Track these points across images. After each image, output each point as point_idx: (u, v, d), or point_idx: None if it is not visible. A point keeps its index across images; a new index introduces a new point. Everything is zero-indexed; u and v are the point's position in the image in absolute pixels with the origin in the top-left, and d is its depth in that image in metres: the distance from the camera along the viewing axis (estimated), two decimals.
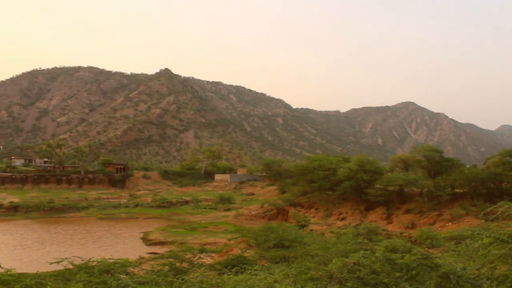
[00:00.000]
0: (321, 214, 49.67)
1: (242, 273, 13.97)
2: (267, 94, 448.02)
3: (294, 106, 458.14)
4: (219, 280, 12.21)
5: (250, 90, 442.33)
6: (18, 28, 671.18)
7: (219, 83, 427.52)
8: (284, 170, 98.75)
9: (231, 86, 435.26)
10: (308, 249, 18.63)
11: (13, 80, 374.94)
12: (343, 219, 46.00)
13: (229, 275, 13.49)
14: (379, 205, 44.56)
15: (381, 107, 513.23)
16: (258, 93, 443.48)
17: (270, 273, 11.50)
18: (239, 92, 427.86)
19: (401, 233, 34.16)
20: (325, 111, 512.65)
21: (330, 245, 18.24)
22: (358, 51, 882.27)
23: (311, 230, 39.50)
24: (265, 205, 63.64)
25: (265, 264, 17.86)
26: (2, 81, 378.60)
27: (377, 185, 45.97)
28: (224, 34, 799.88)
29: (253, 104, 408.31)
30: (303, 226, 41.61)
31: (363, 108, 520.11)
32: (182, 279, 11.83)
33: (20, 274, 12.24)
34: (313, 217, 49.88)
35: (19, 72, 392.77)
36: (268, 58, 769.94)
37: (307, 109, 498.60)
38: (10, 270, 10.36)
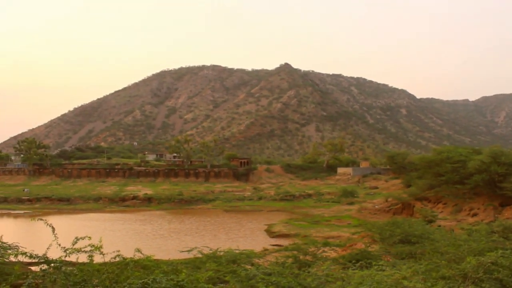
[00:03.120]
0: (450, 209, 47.10)
1: (367, 268, 13.63)
2: (390, 85, 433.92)
3: (418, 96, 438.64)
4: (343, 274, 12.03)
5: (371, 81, 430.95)
6: (147, 33, 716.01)
7: (339, 76, 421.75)
8: (409, 163, 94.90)
9: (351, 78, 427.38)
10: (436, 246, 17.68)
11: (145, 81, 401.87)
12: (474, 215, 43.20)
13: (353, 269, 13.24)
14: None
15: None
16: (380, 84, 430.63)
17: (397, 269, 11.08)
18: (360, 83, 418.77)
19: None
20: (453, 100, 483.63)
21: (461, 242, 17.13)
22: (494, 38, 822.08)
23: (439, 225, 37.58)
24: (390, 199, 61.82)
25: (390, 260, 17.28)
26: (135, 83, 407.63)
27: None
28: (345, 27, 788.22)
29: (375, 95, 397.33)
30: (430, 222, 39.73)
31: (495, 96, 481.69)
32: (308, 272, 11.82)
33: (157, 260, 13.04)
34: (441, 212, 47.46)
35: (149, 74, 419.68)
36: (391, 48, 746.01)
37: (432, 98, 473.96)
38: (149, 257, 11.07)
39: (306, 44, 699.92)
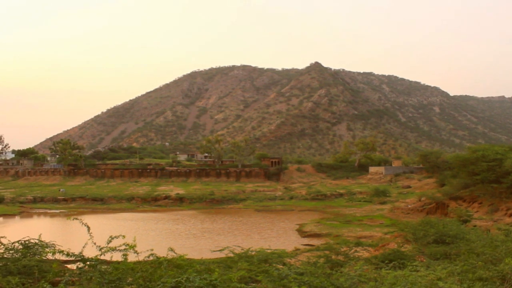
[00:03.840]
0: (486, 209, 46.04)
1: (400, 268, 13.48)
2: (422, 82, 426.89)
3: (451, 94, 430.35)
4: (376, 275, 11.92)
5: (403, 79, 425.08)
6: (178, 35, 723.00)
7: (370, 74, 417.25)
8: (442, 161, 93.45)
9: (383, 76, 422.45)
10: (472, 246, 17.33)
11: (176, 82, 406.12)
12: (511, 215, 42.16)
13: (387, 270, 13.11)
14: None
15: None
16: (412, 81, 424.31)
17: (431, 270, 10.91)
18: (392, 81, 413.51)
19: None
20: (488, 97, 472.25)
21: (498, 243, 16.73)
22: None
23: (475, 225, 36.81)
24: (423, 198, 60.89)
25: (424, 260, 17.02)
26: (166, 84, 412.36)
27: None
28: (375, 24, 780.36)
29: (407, 93, 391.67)
30: (465, 221, 38.95)
31: None
32: (340, 272, 11.75)
33: (189, 259, 13.18)
34: (476, 212, 46.44)
35: (180, 75, 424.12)
36: (423, 45, 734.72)
37: (466, 96, 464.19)
38: (182, 256, 11.19)
39: (337, 43, 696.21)
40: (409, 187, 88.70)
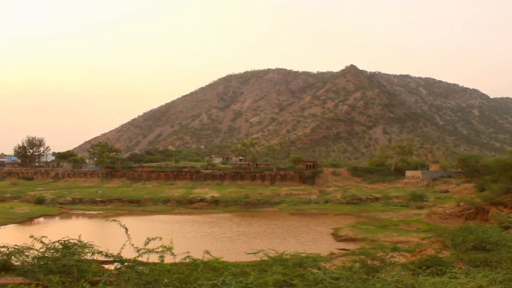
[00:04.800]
0: None
1: (438, 275, 13.22)
2: (460, 85, 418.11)
3: (491, 96, 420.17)
4: (413, 281, 11.72)
5: (441, 82, 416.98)
6: (212, 39, 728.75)
7: (407, 76, 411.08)
8: (482, 165, 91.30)
9: (420, 78, 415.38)
10: None
11: (211, 86, 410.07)
12: None
13: (424, 276, 12.87)
14: None
15: None
16: (450, 84, 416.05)
17: (471, 278, 10.65)
18: (429, 84, 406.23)
19: None
20: None
21: None
22: None
23: None
24: (462, 204, 59.56)
25: (463, 267, 16.64)
26: (202, 88, 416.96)
27: None
28: (411, 25, 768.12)
29: (445, 96, 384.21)
30: (506, 228, 37.87)
31: None
32: (378, 278, 11.60)
33: (225, 262, 13.27)
34: None
35: (215, 78, 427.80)
36: (461, 46, 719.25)
37: (507, 98, 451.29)
38: (218, 259, 11.26)
39: (372, 45, 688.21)
40: (447, 191, 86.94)
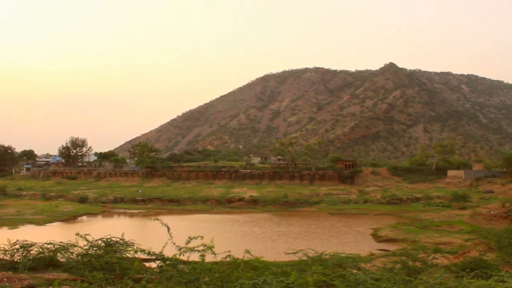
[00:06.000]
0: None
1: (483, 278, 12.90)
2: (505, 81, 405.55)
3: None
4: (457, 283, 11.48)
5: (484, 78, 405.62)
6: (250, 38, 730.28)
7: (448, 73, 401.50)
8: None
9: (461, 75, 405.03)
10: None
11: (249, 86, 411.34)
12: None
13: (468, 278, 12.58)
14: None
15: None
16: (494, 80, 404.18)
17: None
18: (472, 81, 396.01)
19: None
20: None
21: None
22: None
23: None
24: (507, 204, 57.84)
25: (510, 271, 16.18)
26: (240, 87, 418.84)
27: None
28: (451, 21, 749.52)
29: (489, 93, 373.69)
30: None
31: None
32: (420, 279, 11.42)
33: (266, 262, 13.31)
34: None
35: (253, 78, 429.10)
36: (506, 41, 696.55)
37: None
38: (259, 258, 11.30)
39: (411, 42, 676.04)
40: (491, 192, 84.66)
